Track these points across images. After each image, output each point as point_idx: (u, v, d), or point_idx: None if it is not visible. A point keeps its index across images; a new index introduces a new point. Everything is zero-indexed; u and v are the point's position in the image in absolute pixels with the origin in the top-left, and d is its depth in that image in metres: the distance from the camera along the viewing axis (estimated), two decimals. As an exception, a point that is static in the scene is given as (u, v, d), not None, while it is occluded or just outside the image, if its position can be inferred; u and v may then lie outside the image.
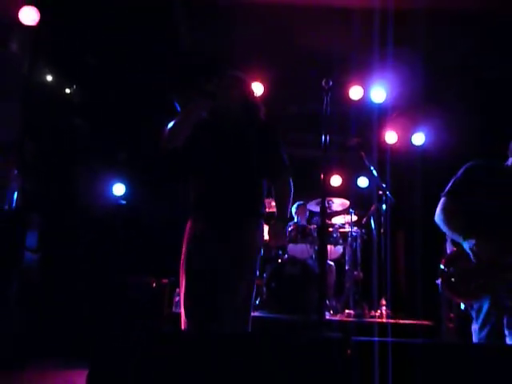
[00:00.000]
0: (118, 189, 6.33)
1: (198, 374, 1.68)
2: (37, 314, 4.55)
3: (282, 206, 2.84)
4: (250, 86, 2.98)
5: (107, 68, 5.80)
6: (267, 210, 6.24)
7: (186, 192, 2.85)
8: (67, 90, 6.04)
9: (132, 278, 5.01)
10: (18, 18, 4.70)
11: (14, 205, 4.66)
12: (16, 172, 4.68)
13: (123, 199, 6.38)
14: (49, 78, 5.78)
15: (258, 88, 6.05)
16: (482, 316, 2.78)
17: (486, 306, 2.77)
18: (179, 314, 2.78)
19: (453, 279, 2.85)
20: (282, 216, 2.83)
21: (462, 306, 2.96)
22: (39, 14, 4.73)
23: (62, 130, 5.80)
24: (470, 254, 2.77)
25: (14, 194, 4.67)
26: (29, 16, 4.72)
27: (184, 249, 2.76)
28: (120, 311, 4.69)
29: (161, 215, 5.84)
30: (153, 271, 5.02)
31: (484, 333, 2.75)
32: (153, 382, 1.69)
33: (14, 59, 5.04)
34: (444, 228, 2.92)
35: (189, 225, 2.80)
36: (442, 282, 2.88)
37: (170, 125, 2.75)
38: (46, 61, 5.60)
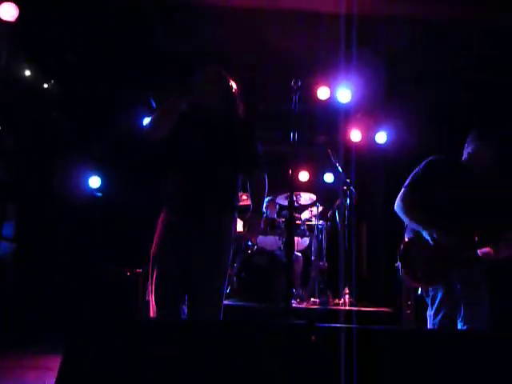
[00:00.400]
0: (94, 181, 6.24)
1: (170, 360, 1.67)
2: (11, 302, 4.46)
3: (258, 200, 2.85)
4: (229, 81, 2.92)
5: (85, 63, 5.70)
6: (238, 203, 6.28)
7: (161, 183, 2.79)
8: (45, 85, 5.92)
9: (107, 267, 4.95)
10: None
11: (-10, 195, 4.56)
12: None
13: (99, 191, 6.29)
14: (27, 72, 5.66)
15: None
16: (436, 303, 2.83)
17: (440, 295, 2.82)
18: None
19: (411, 264, 2.89)
20: (258, 209, 2.83)
21: (419, 292, 3.00)
22: (18, 10, 4.60)
23: (40, 123, 5.68)
24: (430, 240, 2.81)
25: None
26: (8, 12, 4.59)
27: (157, 238, 2.69)
28: (95, 300, 4.63)
29: (135, 207, 5.77)
30: (127, 261, 4.96)
31: (438, 319, 2.80)
32: (125, 368, 1.67)
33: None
34: (403, 217, 2.95)
35: (163, 215, 2.73)
36: (401, 265, 2.93)
37: (150, 118, 2.70)
38: (25, 56, 5.48)
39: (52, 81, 5.83)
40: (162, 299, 2.59)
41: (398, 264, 2.92)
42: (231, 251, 2.76)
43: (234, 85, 2.92)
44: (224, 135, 2.77)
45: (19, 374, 3.40)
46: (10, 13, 4.59)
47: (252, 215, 2.81)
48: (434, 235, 2.79)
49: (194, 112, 2.78)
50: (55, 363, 1.71)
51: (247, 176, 2.90)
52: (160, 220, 2.73)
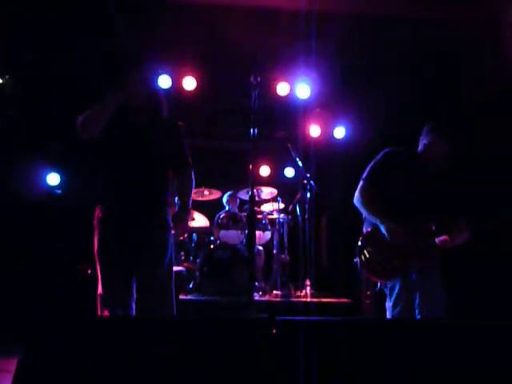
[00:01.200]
0: (53, 178, 6.05)
1: (126, 357, 1.62)
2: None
3: (184, 198, 2.91)
4: (154, 83, 2.98)
5: (41, 60, 5.54)
6: (200, 198, 6.23)
7: (95, 181, 2.80)
8: (0, 80, 5.71)
9: (67, 265, 4.84)
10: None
11: None
12: None
13: (58, 189, 6.11)
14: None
15: (190, 82, 5.97)
16: (394, 295, 2.86)
17: (397, 286, 2.85)
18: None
19: (369, 259, 2.91)
20: (185, 206, 2.90)
21: (378, 286, 3.03)
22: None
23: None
24: (386, 235, 2.83)
25: None
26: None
27: (96, 236, 2.69)
28: (54, 298, 4.51)
29: (95, 206, 5.64)
30: (87, 258, 4.85)
31: (397, 310, 2.83)
32: (83, 367, 1.62)
33: None
34: (362, 209, 2.97)
35: (98, 213, 2.72)
36: (359, 261, 2.94)
37: (83, 116, 2.68)
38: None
39: (7, 76, 5.63)
40: (110, 296, 2.61)
41: (357, 260, 2.94)
42: (170, 238, 2.78)
43: (158, 85, 2.94)
44: (150, 134, 2.78)
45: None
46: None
47: (179, 211, 2.89)
48: (390, 231, 2.81)
49: (122, 112, 2.74)
50: (12, 365, 1.64)
51: (175, 174, 2.92)
52: (95, 218, 2.72)
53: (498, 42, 5.18)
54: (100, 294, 2.65)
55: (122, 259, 2.62)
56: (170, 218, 2.82)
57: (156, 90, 2.94)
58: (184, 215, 2.89)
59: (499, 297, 4.16)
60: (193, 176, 2.95)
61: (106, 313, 2.59)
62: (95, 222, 2.71)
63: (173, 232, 2.89)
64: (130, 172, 2.69)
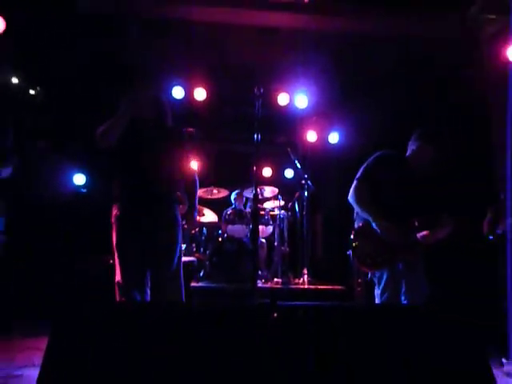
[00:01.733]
0: (79, 178, 6.07)
1: (141, 338, 1.64)
2: (2, 287, 4.32)
3: (192, 198, 3.00)
4: (159, 96, 2.97)
5: (68, 73, 5.56)
6: (210, 196, 6.24)
7: (112, 183, 2.83)
8: (31, 91, 5.74)
9: (92, 256, 4.85)
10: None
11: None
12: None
13: (84, 188, 6.13)
14: (14, 79, 5.48)
15: (201, 93, 5.99)
16: (382, 283, 2.86)
17: (385, 276, 2.85)
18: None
19: (360, 252, 2.92)
20: (193, 205, 2.99)
21: (369, 275, 3.04)
22: (5, 24, 4.41)
23: (26, 126, 5.51)
24: (378, 231, 2.84)
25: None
26: (-5, 25, 4.40)
27: (115, 231, 2.72)
28: (81, 285, 4.54)
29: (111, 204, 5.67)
30: (109, 250, 4.87)
31: (385, 296, 2.84)
32: (104, 345, 1.64)
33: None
34: (355, 206, 2.95)
35: (115, 211, 2.75)
36: (352, 254, 2.95)
37: (102, 127, 2.73)
38: (12, 65, 5.31)
39: (38, 88, 5.66)
40: (127, 284, 2.64)
41: (350, 252, 2.95)
42: (179, 232, 2.82)
43: (163, 99, 2.98)
44: (158, 142, 2.82)
45: (11, 354, 3.30)
46: (-3, 25, 4.40)
47: (188, 210, 2.97)
48: (380, 223, 2.82)
49: (133, 123, 2.79)
50: (43, 344, 1.65)
51: (181, 177, 2.97)
52: (113, 215, 2.74)
53: (477, 56, 5.18)
54: (117, 282, 2.68)
55: (137, 253, 2.65)
56: (179, 215, 2.85)
57: (162, 102, 2.96)
58: (192, 213, 2.99)
59: (471, 286, 4.22)
60: (196, 178, 3.04)
61: (123, 298, 2.63)
62: (113, 220, 2.74)
63: (185, 227, 2.93)
64: (141, 175, 2.73)
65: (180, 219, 2.85)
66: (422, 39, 5.21)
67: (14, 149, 3.02)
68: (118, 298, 2.66)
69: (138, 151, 2.75)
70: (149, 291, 2.70)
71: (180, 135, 2.99)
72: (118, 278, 2.68)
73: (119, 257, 2.68)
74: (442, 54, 5.25)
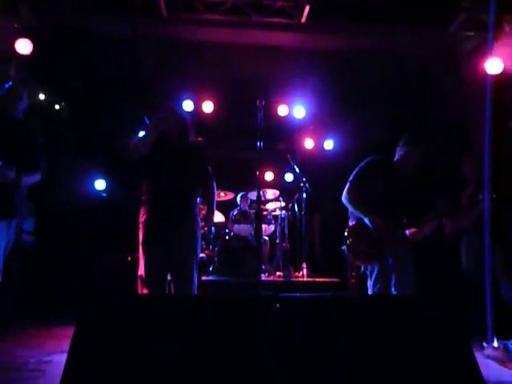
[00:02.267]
0: (100, 184, 6.09)
1: (160, 325, 1.65)
2: (32, 283, 4.33)
3: (210, 203, 3.10)
4: (183, 115, 3.05)
5: (89, 89, 5.59)
6: (217, 198, 6.25)
7: (141, 189, 2.90)
8: (57, 106, 5.77)
9: (112, 253, 4.87)
10: (14, 49, 4.41)
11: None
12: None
13: (104, 192, 6.14)
14: (41, 96, 5.51)
15: (209, 106, 6.01)
16: (374, 276, 2.86)
17: (376, 269, 2.85)
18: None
19: (354, 247, 2.91)
20: (211, 209, 3.10)
21: (362, 269, 3.03)
22: (32, 45, 4.45)
23: (53, 137, 5.54)
24: (370, 225, 2.84)
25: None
26: (24, 46, 4.43)
27: (142, 231, 2.78)
28: (102, 279, 4.54)
29: (134, 206, 5.67)
30: (128, 248, 4.89)
31: (376, 288, 2.83)
32: (126, 333, 1.64)
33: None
34: (349, 206, 2.96)
35: (142, 214, 2.82)
36: (346, 248, 2.94)
37: (136, 141, 2.83)
38: (39, 83, 5.34)
39: (62, 103, 5.69)
40: (151, 277, 2.70)
41: (344, 247, 2.94)
42: (199, 234, 2.90)
43: (187, 117, 3.04)
44: (181, 155, 2.89)
45: (41, 341, 3.31)
46: (25, 47, 4.43)
47: (207, 214, 3.10)
48: (371, 219, 2.82)
49: (161, 138, 2.87)
50: (70, 332, 1.66)
51: (201, 185, 3.05)
52: (140, 217, 2.82)
53: (457, 70, 5.17)
54: (140, 275, 2.72)
55: (159, 252, 2.71)
56: (198, 218, 2.92)
57: (186, 120, 3.02)
58: (210, 217, 3.09)
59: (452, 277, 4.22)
60: (214, 186, 3.11)
61: (145, 290, 2.68)
62: (140, 221, 2.80)
63: (205, 228, 2.91)
64: (165, 183, 2.80)
65: (199, 221, 2.94)
66: (408, 55, 5.22)
67: (42, 157, 3.03)
68: (139, 290, 2.71)
69: (163, 162, 2.84)
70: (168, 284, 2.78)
71: (201, 148, 3.06)
72: (140, 272, 2.73)
73: (144, 254, 2.74)
74: (426, 68, 5.25)
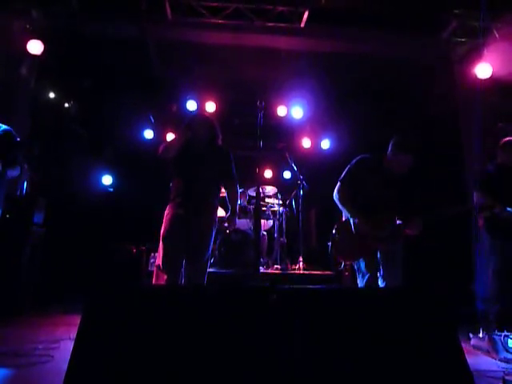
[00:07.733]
0: (106, 179, 6.10)
1: (167, 315, 1.65)
2: (41, 274, 4.35)
3: (233, 205, 3.11)
4: (212, 121, 3.12)
5: (98, 88, 5.59)
6: (225, 194, 6.27)
7: (170, 186, 3.01)
8: (66, 104, 5.77)
9: (118, 245, 4.88)
10: (26, 49, 4.41)
11: (24, 191, 4.46)
12: (26, 166, 4.42)
13: (111, 187, 6.15)
14: (51, 94, 5.51)
15: (211, 106, 6.01)
16: (361, 270, 2.86)
17: (362, 265, 2.85)
18: (152, 272, 2.83)
19: (339, 244, 2.90)
20: (234, 211, 3.10)
21: (342, 266, 3.04)
22: (43, 46, 4.44)
23: (62, 134, 5.54)
24: (353, 226, 2.84)
25: (24, 183, 4.46)
26: (35, 47, 4.42)
27: (165, 223, 2.88)
28: (109, 270, 4.56)
29: (139, 199, 5.68)
30: (133, 240, 4.91)
31: (365, 280, 2.84)
32: (131, 322, 1.64)
33: (24, 81, 4.76)
34: (338, 204, 2.95)
35: (169, 208, 2.93)
36: (331, 245, 2.94)
37: (165, 144, 2.98)
38: (50, 82, 5.34)
39: (72, 102, 5.69)
40: (170, 264, 2.82)
41: (329, 244, 2.94)
42: (214, 232, 2.99)
43: (215, 123, 3.12)
44: (208, 158, 2.99)
45: (51, 328, 3.33)
46: (37, 48, 4.42)
47: (230, 215, 3.11)
48: (357, 223, 2.80)
49: (191, 142, 2.99)
50: (78, 320, 1.66)
51: (225, 187, 3.14)
52: (166, 211, 2.94)
53: (449, 74, 5.17)
54: (157, 265, 2.85)
55: (177, 246, 2.81)
56: (216, 219, 3.00)
57: (214, 126, 3.09)
58: (233, 217, 3.10)
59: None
60: (238, 188, 3.15)
61: (162, 279, 2.83)
62: (165, 214, 2.91)
63: (228, 230, 3.27)
64: (192, 184, 2.90)
65: (216, 222, 3.00)
66: (403, 59, 5.22)
67: (19, 155, 3.07)
68: (154, 279, 2.78)
69: (190, 164, 2.94)
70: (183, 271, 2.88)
71: (227, 153, 3.11)
72: (158, 261, 2.85)
73: (164, 246, 2.83)
74: (420, 72, 5.25)
